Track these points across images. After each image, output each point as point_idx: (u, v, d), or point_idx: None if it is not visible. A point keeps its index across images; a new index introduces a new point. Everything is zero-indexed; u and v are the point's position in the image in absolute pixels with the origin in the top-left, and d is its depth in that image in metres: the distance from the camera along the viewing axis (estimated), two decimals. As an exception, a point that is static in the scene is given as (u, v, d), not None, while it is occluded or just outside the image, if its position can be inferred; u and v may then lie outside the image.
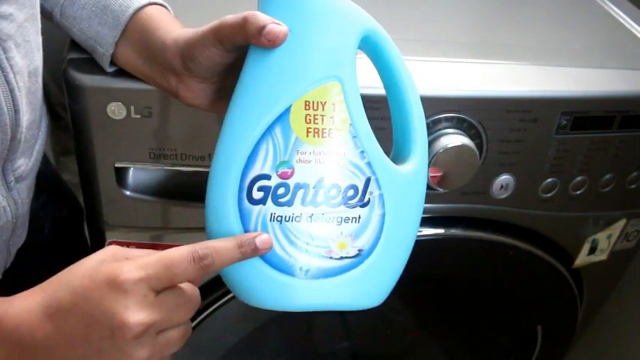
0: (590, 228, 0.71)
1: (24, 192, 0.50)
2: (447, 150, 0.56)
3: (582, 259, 0.74)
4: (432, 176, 0.57)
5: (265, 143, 0.40)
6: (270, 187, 0.40)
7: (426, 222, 0.65)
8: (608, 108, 0.60)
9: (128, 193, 0.59)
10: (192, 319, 0.66)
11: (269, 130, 0.40)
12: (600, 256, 0.75)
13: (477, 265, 0.72)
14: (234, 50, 0.42)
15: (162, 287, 0.36)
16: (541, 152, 0.61)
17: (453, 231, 0.66)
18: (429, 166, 0.56)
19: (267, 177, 0.40)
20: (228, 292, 0.65)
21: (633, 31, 0.70)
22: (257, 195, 0.40)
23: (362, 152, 0.41)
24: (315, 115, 0.40)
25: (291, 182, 0.40)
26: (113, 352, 0.36)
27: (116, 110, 0.52)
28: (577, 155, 0.62)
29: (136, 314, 0.35)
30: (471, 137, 0.57)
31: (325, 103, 0.40)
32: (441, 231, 0.66)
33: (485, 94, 0.57)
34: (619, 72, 0.62)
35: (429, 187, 0.59)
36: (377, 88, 0.54)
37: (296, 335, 0.83)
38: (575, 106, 0.59)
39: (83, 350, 0.36)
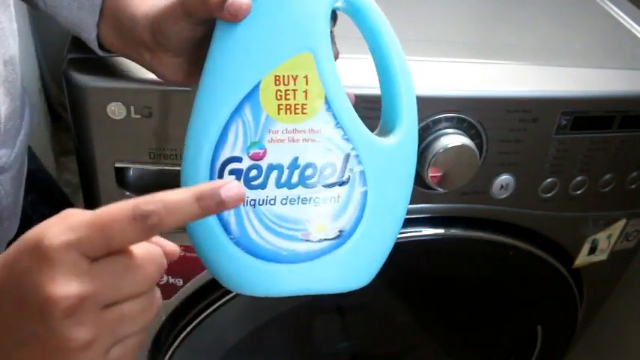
0: (590, 228, 0.71)
1: (8, 183, 0.48)
2: (447, 150, 0.56)
3: (582, 259, 0.74)
4: (432, 176, 0.57)
5: (235, 124, 0.38)
6: (242, 169, 0.38)
7: (426, 222, 0.65)
8: (608, 108, 0.60)
9: (128, 193, 0.59)
10: (193, 319, 0.67)
11: (238, 110, 0.38)
12: (600, 256, 0.75)
13: (477, 265, 0.72)
14: (204, 24, 0.40)
15: (99, 253, 0.29)
16: (541, 152, 0.61)
17: (453, 231, 0.66)
18: (428, 166, 0.56)
19: (239, 159, 0.38)
20: (228, 292, 0.65)
21: (633, 31, 0.70)
22: (228, 178, 0.38)
23: (339, 127, 0.38)
24: (286, 91, 0.38)
25: (264, 164, 0.38)
26: (50, 337, 0.28)
27: (116, 110, 0.52)
28: (577, 155, 0.62)
29: (63, 286, 0.28)
30: (471, 137, 0.57)
31: (297, 76, 0.37)
32: (441, 231, 0.66)
33: (486, 94, 0.57)
34: (619, 72, 0.62)
35: (429, 187, 0.59)
36: (377, 88, 0.55)
37: (296, 335, 0.83)
38: (575, 106, 0.59)
39: (17, 336, 0.29)
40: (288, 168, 0.38)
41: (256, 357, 0.81)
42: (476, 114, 0.57)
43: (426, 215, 0.65)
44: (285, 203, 0.38)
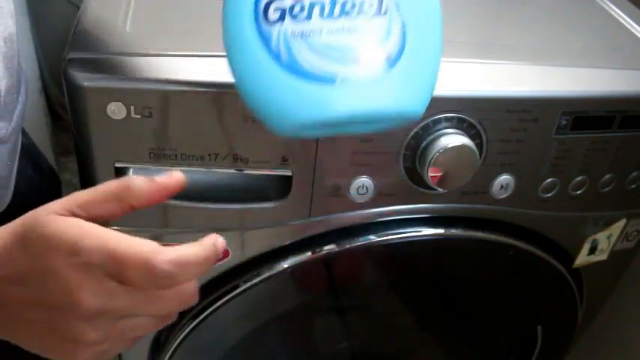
0: (590, 228, 0.71)
1: (5, 155, 0.51)
2: (447, 150, 0.56)
3: (582, 259, 0.74)
4: (432, 176, 0.57)
5: None
6: (285, 6, 0.39)
7: (425, 222, 0.65)
8: (608, 108, 0.60)
9: (128, 193, 0.59)
10: (192, 319, 0.67)
11: None
12: (600, 256, 0.75)
13: (477, 265, 0.72)
14: None
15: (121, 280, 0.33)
16: (541, 152, 0.61)
17: (453, 231, 0.66)
18: (428, 166, 0.57)
19: None
20: (228, 292, 0.65)
21: (633, 31, 0.70)
22: (274, 15, 0.40)
23: None
24: None
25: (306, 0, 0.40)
26: (66, 328, 0.33)
27: (116, 110, 0.52)
28: (577, 155, 0.62)
29: (91, 298, 0.32)
30: (471, 137, 0.57)
31: None
32: (440, 231, 0.66)
33: (486, 94, 0.57)
34: (619, 72, 0.62)
35: (429, 187, 0.59)
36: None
37: (296, 335, 0.83)
38: (575, 106, 0.59)
39: (35, 315, 0.34)
40: (330, 2, 0.40)
41: (256, 357, 0.81)
42: (476, 114, 0.57)
43: (425, 215, 0.65)
44: (332, 33, 0.40)
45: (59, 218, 0.34)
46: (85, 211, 0.35)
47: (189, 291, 0.34)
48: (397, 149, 0.58)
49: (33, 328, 0.35)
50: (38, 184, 0.67)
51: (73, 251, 0.32)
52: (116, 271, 0.32)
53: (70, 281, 0.32)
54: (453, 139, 0.56)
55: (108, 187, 0.36)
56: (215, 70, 0.53)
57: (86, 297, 0.32)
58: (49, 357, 0.37)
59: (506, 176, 0.62)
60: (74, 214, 0.35)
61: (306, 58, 0.40)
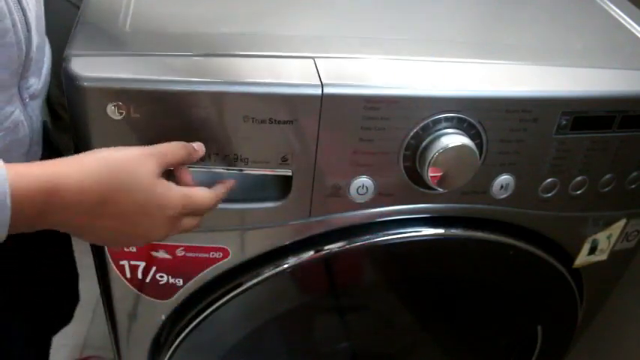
0: (590, 228, 0.71)
1: (37, 110, 0.56)
2: (447, 150, 0.56)
3: (582, 259, 0.74)
4: (432, 176, 0.57)
5: None
6: None
7: (425, 222, 0.65)
8: (608, 108, 0.60)
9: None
10: (193, 319, 0.67)
11: None
12: (600, 256, 0.75)
13: (477, 265, 0.72)
14: None
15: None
16: (541, 152, 0.61)
17: (453, 231, 0.66)
18: (428, 166, 0.57)
19: None
20: (228, 292, 0.65)
21: (633, 31, 0.70)
22: None
23: None
24: None
25: None
26: (137, 239, 0.50)
27: (116, 110, 0.52)
28: (577, 155, 0.62)
29: (167, 233, 0.49)
30: (471, 137, 0.57)
31: None
32: (441, 231, 0.66)
33: (486, 94, 0.57)
34: (619, 72, 0.62)
35: (429, 187, 0.59)
36: (377, 88, 0.55)
37: (296, 335, 0.83)
38: (575, 106, 0.59)
39: (113, 230, 0.47)
40: None
41: (256, 357, 0.81)
42: (476, 114, 0.57)
43: (425, 215, 0.65)
44: None
45: (164, 184, 0.48)
46: (167, 166, 0.50)
47: (217, 196, 0.54)
48: (397, 149, 0.58)
49: (113, 233, 0.47)
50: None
51: (175, 211, 0.48)
52: (195, 209, 0.50)
53: (161, 225, 0.48)
54: (453, 139, 0.56)
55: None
56: (215, 70, 0.53)
57: (163, 232, 0.49)
58: (110, 247, 0.60)
59: (506, 176, 0.62)
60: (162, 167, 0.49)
61: None
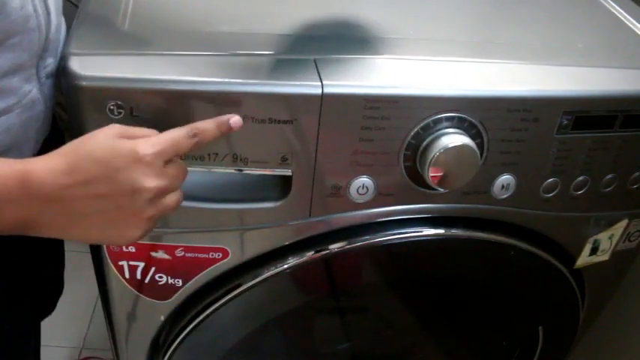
0: (591, 228, 0.71)
1: (51, 89, 0.58)
2: (448, 150, 0.56)
3: (584, 259, 0.74)
4: (432, 176, 0.57)
5: None
6: None
7: (426, 222, 0.65)
8: (609, 107, 0.60)
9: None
10: (192, 320, 0.67)
11: None
12: (602, 257, 0.75)
13: (478, 265, 0.72)
14: None
15: (169, 159, 0.47)
16: (542, 152, 0.61)
17: (454, 231, 0.66)
18: (429, 166, 0.56)
19: None
20: (228, 292, 0.65)
21: (636, 30, 0.70)
22: None
23: None
24: None
25: None
26: (130, 209, 0.46)
27: (115, 110, 0.52)
28: (578, 155, 0.62)
29: (153, 181, 0.45)
30: (472, 137, 0.57)
31: None
32: (441, 231, 0.66)
33: (486, 93, 0.57)
34: (621, 71, 0.62)
35: (429, 187, 0.59)
36: (378, 88, 0.54)
37: (296, 335, 0.83)
38: (576, 105, 0.58)
39: (104, 204, 0.45)
40: None
41: (256, 357, 0.80)
42: (477, 114, 0.57)
43: (426, 215, 0.64)
44: None
45: (119, 140, 0.46)
46: (130, 136, 0.48)
47: (185, 167, 0.49)
48: (397, 149, 0.57)
49: (94, 218, 0.46)
50: None
51: (138, 158, 0.45)
52: (174, 148, 0.47)
53: (136, 173, 0.45)
54: (453, 139, 0.56)
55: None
56: (215, 70, 0.53)
57: (150, 181, 0.45)
58: (103, 242, 0.57)
59: (507, 176, 0.62)
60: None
61: None
